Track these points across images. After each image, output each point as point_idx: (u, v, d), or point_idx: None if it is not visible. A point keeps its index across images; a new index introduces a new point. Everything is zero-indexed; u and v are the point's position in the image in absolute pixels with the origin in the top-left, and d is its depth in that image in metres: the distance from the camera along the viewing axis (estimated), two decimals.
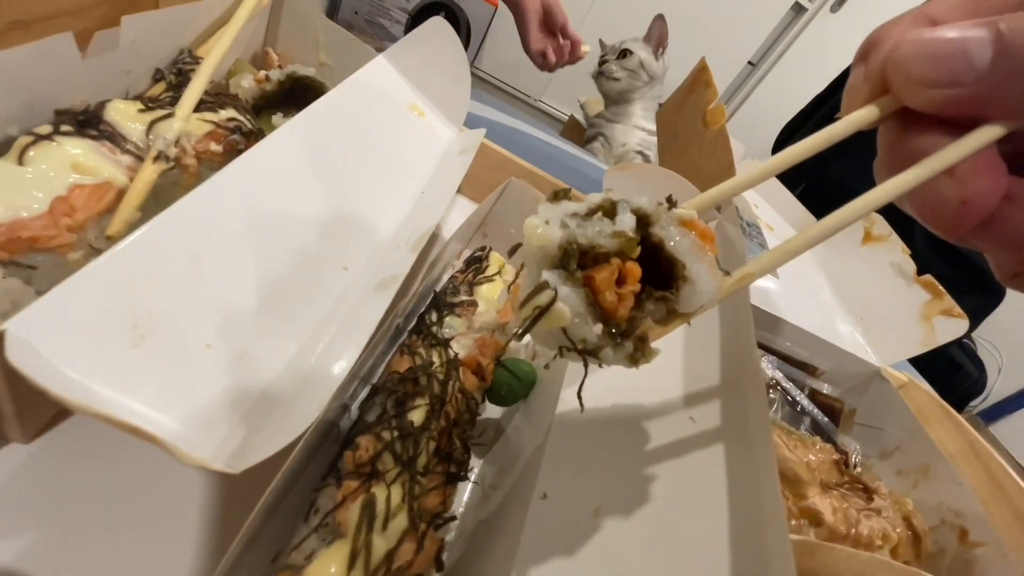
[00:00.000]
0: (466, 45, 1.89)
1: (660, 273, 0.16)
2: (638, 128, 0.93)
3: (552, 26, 0.77)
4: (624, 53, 0.89)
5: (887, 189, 0.15)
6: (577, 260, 0.16)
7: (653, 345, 0.17)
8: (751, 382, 0.22)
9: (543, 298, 0.15)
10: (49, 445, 0.22)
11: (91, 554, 0.21)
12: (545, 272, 0.16)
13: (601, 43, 0.93)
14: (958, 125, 0.14)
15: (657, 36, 0.87)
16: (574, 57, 0.82)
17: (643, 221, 0.16)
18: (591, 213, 0.16)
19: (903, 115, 0.16)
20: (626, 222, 0.16)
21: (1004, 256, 0.16)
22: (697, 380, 0.24)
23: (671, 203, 0.17)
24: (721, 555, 0.18)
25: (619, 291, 0.16)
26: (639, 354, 0.17)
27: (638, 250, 0.16)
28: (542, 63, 0.79)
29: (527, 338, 0.41)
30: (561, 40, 0.79)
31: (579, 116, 1.55)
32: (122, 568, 0.22)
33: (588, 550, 0.20)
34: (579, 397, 0.17)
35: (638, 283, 0.16)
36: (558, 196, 0.17)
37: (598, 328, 0.16)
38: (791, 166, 0.18)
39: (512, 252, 0.18)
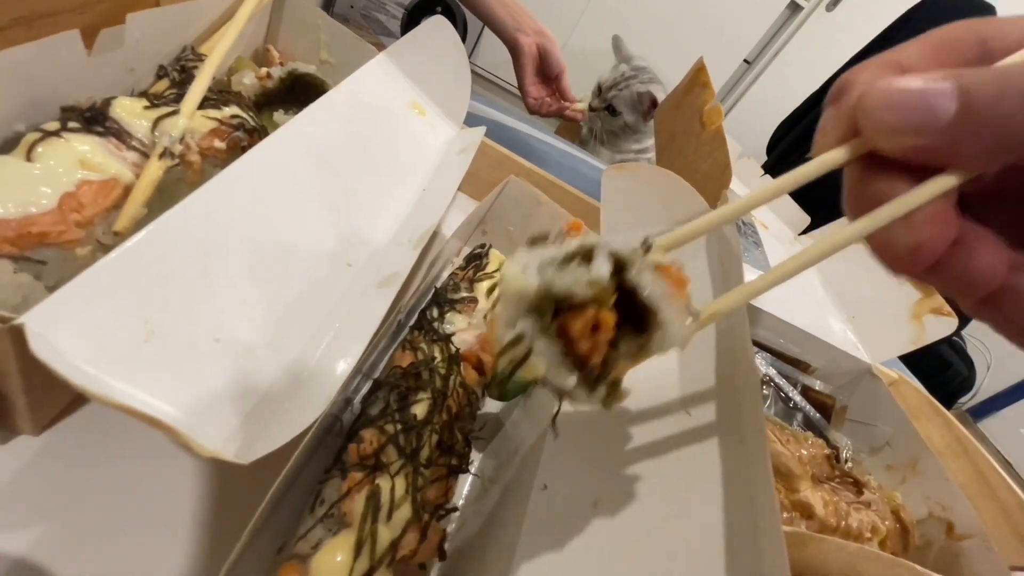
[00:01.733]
0: (462, 40, 1.89)
1: (635, 309, 0.17)
2: (621, 152, 0.92)
3: (548, 73, 0.75)
4: (612, 110, 0.88)
5: (856, 230, 0.16)
6: (553, 307, 0.16)
7: (623, 387, 0.18)
8: (746, 378, 0.23)
9: (519, 350, 0.16)
10: (58, 438, 0.23)
11: (100, 545, 0.22)
12: (520, 322, 0.16)
13: (598, 88, 0.91)
14: (919, 170, 0.15)
15: (649, 105, 0.85)
16: (566, 116, 0.80)
17: (619, 264, 0.17)
18: (568, 260, 0.16)
19: (868, 158, 0.16)
20: (602, 269, 0.16)
21: (953, 298, 0.17)
22: (693, 376, 0.24)
23: (647, 247, 0.17)
24: (716, 546, 0.19)
25: (593, 337, 0.16)
26: (611, 397, 0.17)
27: (613, 299, 0.16)
28: (534, 107, 0.77)
29: None
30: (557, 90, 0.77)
31: None
32: (131, 559, 0.22)
33: (587, 540, 0.20)
34: (553, 426, 0.18)
35: (612, 331, 0.16)
36: (535, 242, 0.17)
37: (572, 379, 0.16)
38: (760, 204, 0.19)
39: (491, 290, 0.18)
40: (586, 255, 0.16)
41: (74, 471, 0.23)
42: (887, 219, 0.15)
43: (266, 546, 0.23)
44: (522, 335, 0.16)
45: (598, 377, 0.17)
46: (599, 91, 0.89)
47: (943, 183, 0.15)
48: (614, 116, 0.87)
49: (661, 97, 0.83)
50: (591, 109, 0.88)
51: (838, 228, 0.16)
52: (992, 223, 0.16)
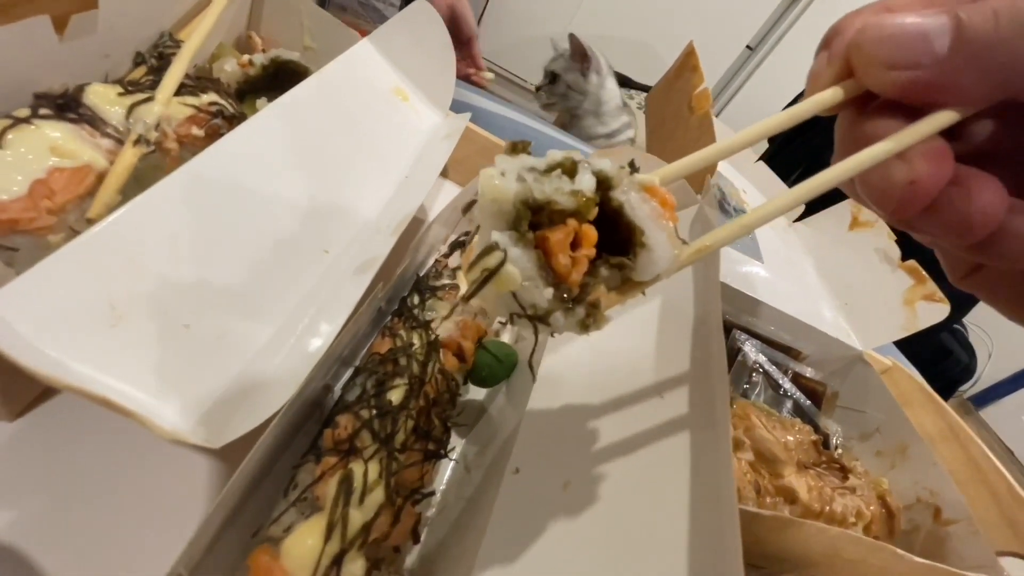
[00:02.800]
0: None
1: (616, 240, 0.16)
2: (592, 139, 0.91)
3: (459, 37, 0.75)
4: (553, 77, 0.88)
5: (845, 167, 0.16)
6: (531, 220, 0.15)
7: (606, 313, 0.17)
8: (717, 363, 0.23)
9: (492, 260, 0.15)
10: (34, 423, 0.23)
11: (76, 530, 0.22)
12: (495, 233, 0.15)
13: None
14: (913, 111, 0.15)
15: (579, 56, 0.84)
16: (472, 80, 0.79)
17: (604, 184, 0.16)
18: (550, 169, 0.16)
19: (861, 101, 0.16)
20: (586, 182, 0.15)
21: (947, 242, 0.16)
22: (668, 360, 0.24)
23: (633, 168, 0.16)
24: (680, 526, 0.19)
25: (573, 255, 0.15)
26: (590, 320, 0.16)
27: (595, 212, 0.16)
28: None
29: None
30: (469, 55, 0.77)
31: None
32: (107, 545, 0.22)
33: (557, 522, 0.20)
34: (530, 366, 0.18)
35: (593, 247, 0.15)
36: (517, 149, 0.16)
37: (549, 293, 0.15)
38: (753, 143, 0.18)
39: (467, 209, 0.17)
40: (569, 169, 0.16)
41: (49, 457, 0.23)
42: (882, 155, 0.15)
43: (243, 531, 0.23)
44: (496, 243, 0.15)
45: (576, 298, 0.16)
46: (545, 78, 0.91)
47: (939, 120, 0.15)
48: (554, 83, 0.87)
49: (598, 61, 0.84)
50: (537, 89, 0.89)
51: (831, 168, 0.16)
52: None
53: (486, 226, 0.16)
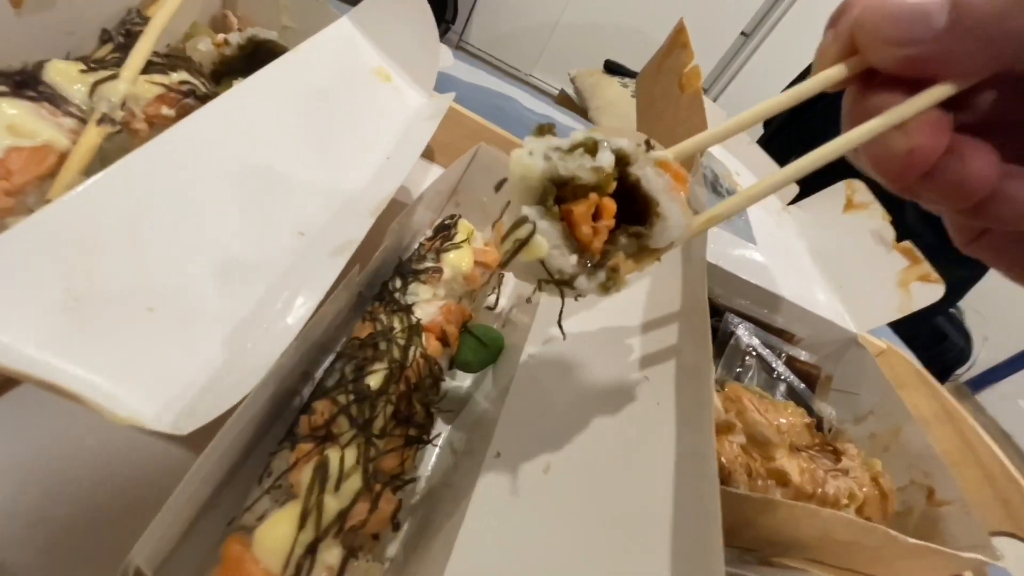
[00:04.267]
0: (454, 18, 1.85)
1: (634, 211, 0.18)
2: None
3: None
4: None
5: (849, 138, 0.17)
6: (556, 195, 0.17)
7: (625, 277, 0.18)
8: (702, 343, 0.22)
9: (523, 231, 0.17)
10: None
11: (38, 522, 0.21)
12: (525, 207, 0.17)
13: None
14: (913, 85, 0.16)
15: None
16: None
17: (622, 160, 0.17)
18: (573, 148, 0.17)
19: (866, 76, 0.17)
20: (605, 159, 0.17)
21: (945, 206, 0.17)
22: (653, 338, 0.24)
23: (649, 145, 0.18)
24: (664, 507, 0.18)
25: (595, 225, 0.17)
26: (611, 283, 0.18)
27: (614, 185, 0.17)
28: None
29: (500, 307, 0.41)
30: None
31: (570, 90, 1.53)
32: (71, 536, 0.21)
33: (538, 505, 0.20)
34: (559, 325, 0.19)
35: (613, 218, 0.17)
36: (543, 131, 0.18)
37: (573, 259, 0.17)
38: (759, 121, 0.19)
39: (499, 187, 0.19)
40: (590, 148, 0.17)
41: (10, 446, 0.22)
42: (884, 126, 0.16)
43: (218, 521, 0.23)
44: (526, 217, 0.17)
45: (597, 264, 0.18)
46: None
47: (937, 93, 0.16)
48: None
49: None
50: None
51: (837, 139, 0.17)
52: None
53: (516, 201, 0.17)
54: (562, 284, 0.18)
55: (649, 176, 0.17)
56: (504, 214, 0.18)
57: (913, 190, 0.17)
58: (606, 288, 0.18)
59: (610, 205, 0.17)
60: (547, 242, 0.17)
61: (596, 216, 0.17)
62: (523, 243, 0.17)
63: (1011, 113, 0.17)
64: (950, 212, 0.18)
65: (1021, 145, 0.17)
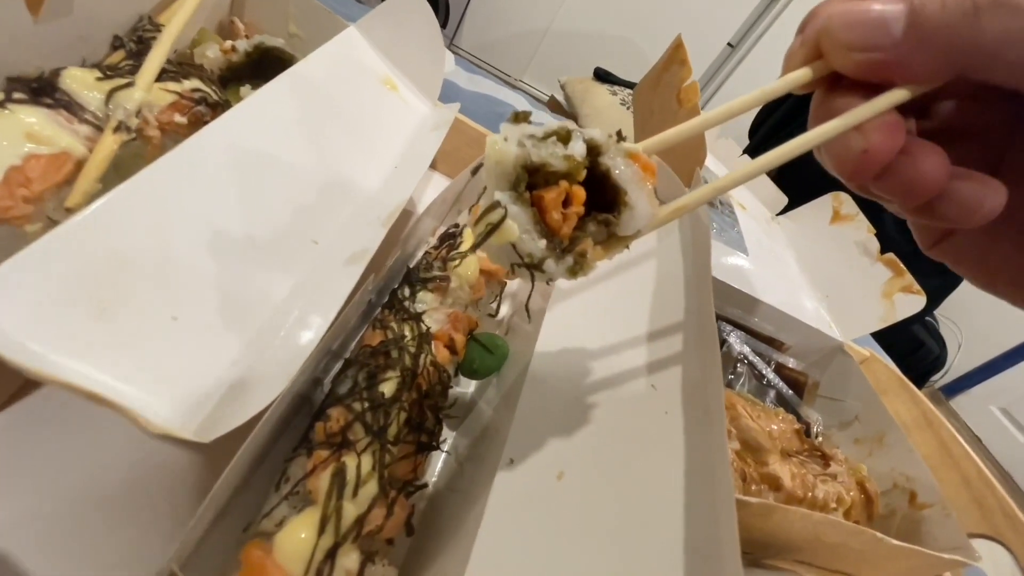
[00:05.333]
0: (444, 23, 1.85)
1: (603, 200, 0.18)
2: None
3: None
4: None
5: (810, 136, 0.18)
6: (528, 181, 0.17)
7: (593, 264, 0.19)
8: (709, 352, 0.23)
9: (495, 215, 0.17)
10: (14, 419, 0.22)
11: (61, 529, 0.21)
12: (497, 192, 0.17)
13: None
14: (873, 89, 0.17)
15: None
16: None
17: (593, 150, 0.18)
18: (547, 136, 0.18)
19: (831, 80, 0.18)
20: (577, 148, 0.17)
21: (897, 203, 0.18)
22: (660, 347, 0.25)
23: (620, 137, 0.19)
24: (676, 513, 0.19)
25: (564, 211, 0.17)
26: (578, 267, 0.19)
27: (584, 174, 0.18)
28: None
29: (502, 314, 0.42)
30: None
31: (559, 97, 1.54)
32: (93, 543, 0.22)
33: (550, 513, 0.20)
34: (527, 308, 0.19)
35: (582, 205, 0.18)
36: (519, 118, 0.18)
37: (542, 244, 0.18)
38: (729, 118, 0.20)
39: (475, 171, 0.19)
40: (563, 137, 0.18)
41: (31, 452, 0.22)
42: (843, 127, 0.17)
43: (234, 526, 0.23)
44: (498, 202, 0.17)
45: (566, 249, 0.18)
46: None
47: (893, 97, 0.16)
48: None
49: None
50: None
51: (799, 137, 0.18)
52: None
53: (490, 186, 0.18)
54: (532, 268, 0.18)
55: (619, 166, 0.18)
56: (481, 198, 0.19)
57: (867, 188, 0.18)
58: (574, 272, 0.19)
59: (580, 193, 0.18)
60: (518, 226, 0.17)
61: (566, 203, 0.18)
62: (495, 227, 0.17)
63: (967, 118, 0.19)
64: (906, 212, 0.19)
65: (973, 148, 0.18)
